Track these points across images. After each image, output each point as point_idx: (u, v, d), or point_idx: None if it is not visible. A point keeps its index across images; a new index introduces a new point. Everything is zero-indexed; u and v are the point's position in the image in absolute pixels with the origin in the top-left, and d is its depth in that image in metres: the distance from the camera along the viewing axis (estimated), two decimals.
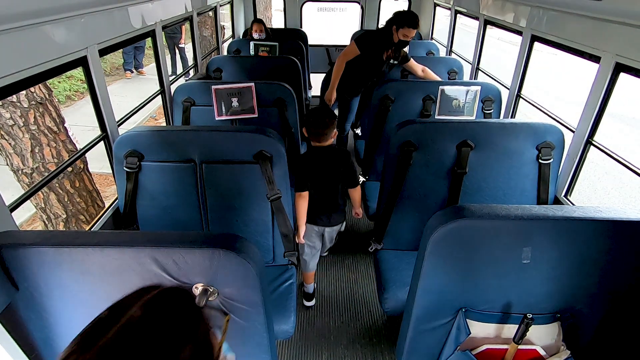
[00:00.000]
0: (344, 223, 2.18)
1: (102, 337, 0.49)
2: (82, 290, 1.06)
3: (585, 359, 1.31)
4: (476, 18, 3.10)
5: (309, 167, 1.97)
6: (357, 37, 2.90)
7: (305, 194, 1.96)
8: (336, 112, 2.86)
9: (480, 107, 2.50)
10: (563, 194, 1.96)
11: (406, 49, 3.01)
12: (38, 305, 1.08)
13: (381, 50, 2.87)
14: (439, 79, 3.08)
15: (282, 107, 2.43)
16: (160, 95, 2.52)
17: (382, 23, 4.99)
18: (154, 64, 2.57)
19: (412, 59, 3.01)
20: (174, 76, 2.89)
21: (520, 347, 1.22)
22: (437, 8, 4.33)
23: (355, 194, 2.08)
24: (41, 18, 1.32)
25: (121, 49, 6.65)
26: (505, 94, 2.61)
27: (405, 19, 2.70)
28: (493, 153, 1.85)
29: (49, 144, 2.61)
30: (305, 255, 2.19)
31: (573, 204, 1.91)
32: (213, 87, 2.28)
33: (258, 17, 4.61)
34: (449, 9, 3.70)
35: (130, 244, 1.00)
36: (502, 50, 8.76)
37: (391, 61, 2.97)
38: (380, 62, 2.94)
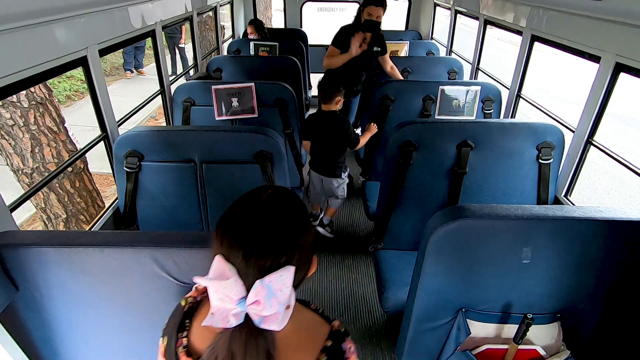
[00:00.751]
0: (343, 184, 2.62)
1: (255, 200, 0.67)
2: (82, 290, 1.06)
3: (585, 359, 1.31)
4: (476, 18, 3.10)
5: (311, 124, 2.51)
6: (333, 38, 2.86)
7: (307, 142, 2.56)
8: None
9: (480, 107, 2.50)
10: (563, 194, 1.96)
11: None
12: (38, 305, 1.08)
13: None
14: (402, 78, 3.10)
15: (282, 107, 2.43)
16: (160, 95, 2.52)
17: (382, 24, 4.94)
18: (154, 64, 2.57)
19: (387, 54, 2.96)
20: (174, 76, 2.89)
21: (520, 347, 1.22)
22: (437, 8, 4.33)
23: (359, 146, 2.55)
24: (41, 18, 1.32)
25: (121, 49, 6.66)
26: (505, 94, 2.61)
27: None
28: (493, 153, 1.85)
29: (49, 144, 2.61)
30: (310, 191, 2.75)
31: (573, 204, 1.91)
32: (213, 87, 2.28)
33: (258, 17, 4.62)
34: (449, 9, 3.70)
35: (130, 244, 1.00)
36: (502, 50, 8.76)
37: (374, 49, 2.88)
38: (362, 54, 2.85)
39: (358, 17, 2.77)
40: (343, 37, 2.79)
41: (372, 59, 2.94)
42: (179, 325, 0.74)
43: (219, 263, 0.62)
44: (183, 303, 0.76)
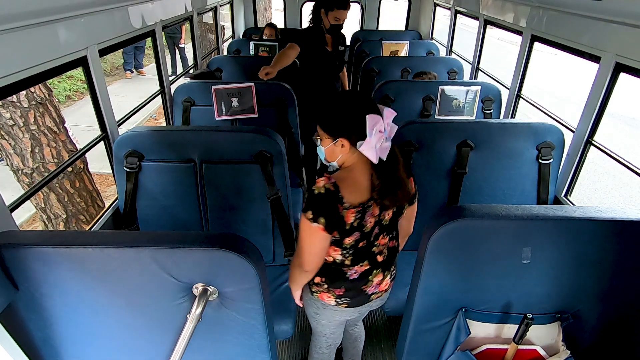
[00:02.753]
0: None
1: None
2: (82, 290, 1.06)
3: (586, 359, 1.31)
4: (476, 18, 3.10)
5: None
6: (295, 38, 2.72)
7: None
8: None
9: (480, 107, 2.50)
10: (563, 194, 1.96)
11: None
12: (38, 305, 1.08)
13: (321, 42, 2.74)
14: (346, 82, 3.17)
15: (282, 107, 2.43)
16: (160, 95, 2.52)
17: (382, 24, 4.91)
18: (154, 64, 2.57)
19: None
20: (174, 76, 2.89)
21: (520, 347, 1.22)
22: (437, 8, 4.33)
23: None
24: (41, 18, 1.32)
25: (121, 49, 6.65)
26: (505, 94, 2.61)
27: (333, 0, 2.56)
28: (493, 153, 1.85)
29: (49, 144, 2.62)
30: None
31: (573, 204, 1.91)
32: (213, 87, 2.28)
33: (258, 17, 4.63)
34: (449, 9, 3.70)
35: (130, 244, 1.00)
36: (502, 49, 8.76)
37: (340, 48, 2.89)
38: (328, 55, 2.81)
39: (318, 20, 2.67)
40: (304, 36, 2.69)
41: (340, 58, 2.97)
42: (334, 200, 1.11)
43: (371, 117, 1.09)
44: (323, 191, 1.11)
